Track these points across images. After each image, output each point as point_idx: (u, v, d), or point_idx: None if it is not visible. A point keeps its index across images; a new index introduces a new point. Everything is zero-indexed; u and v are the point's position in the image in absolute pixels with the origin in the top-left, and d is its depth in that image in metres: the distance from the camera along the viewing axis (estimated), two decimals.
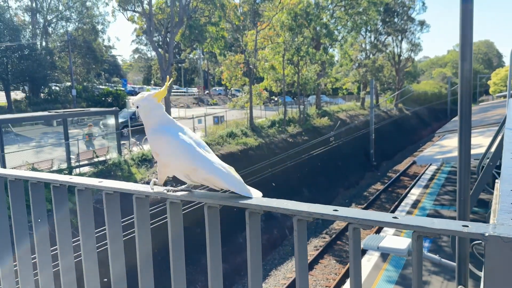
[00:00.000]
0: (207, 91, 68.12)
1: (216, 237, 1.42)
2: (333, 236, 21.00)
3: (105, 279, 1.63)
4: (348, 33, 38.46)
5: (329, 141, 30.90)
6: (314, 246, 20.45)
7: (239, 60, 29.69)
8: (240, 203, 1.32)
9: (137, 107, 1.57)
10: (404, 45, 62.12)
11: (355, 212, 1.19)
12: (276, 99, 47.41)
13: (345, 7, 36.41)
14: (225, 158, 22.64)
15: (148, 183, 1.66)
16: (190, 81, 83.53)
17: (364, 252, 18.25)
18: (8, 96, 38.81)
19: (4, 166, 14.38)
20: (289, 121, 32.12)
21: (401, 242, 6.06)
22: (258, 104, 33.38)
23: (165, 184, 1.57)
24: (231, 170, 1.49)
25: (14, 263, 1.89)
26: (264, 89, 34.91)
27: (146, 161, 19.53)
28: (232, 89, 59.44)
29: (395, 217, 1.16)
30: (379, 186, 30.42)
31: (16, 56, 38.46)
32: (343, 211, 1.21)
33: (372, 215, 1.17)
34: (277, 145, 27.73)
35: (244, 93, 32.80)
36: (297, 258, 1.28)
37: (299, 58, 31.16)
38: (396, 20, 50.03)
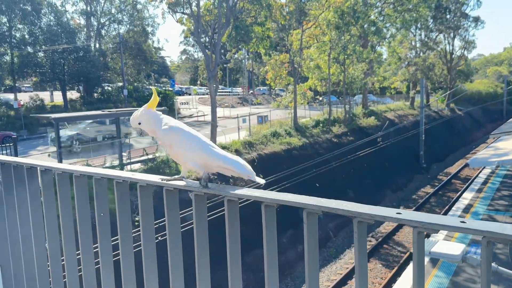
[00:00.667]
0: (251, 91, 68.58)
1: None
2: (379, 239, 20.47)
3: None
4: (397, 30, 37.34)
5: (375, 142, 30.16)
6: None
7: (284, 59, 29.64)
8: (298, 203, 1.31)
9: (139, 123, 1.66)
10: (457, 43, 59.51)
11: (420, 215, 1.15)
12: (320, 98, 46.87)
13: (394, 4, 35.37)
14: (268, 157, 22.70)
15: (197, 179, 1.68)
16: (234, 81, 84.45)
17: (411, 257, 17.62)
18: (64, 96, 40.98)
19: (60, 162, 15.17)
20: (334, 121, 31.66)
21: (455, 248, 5.80)
22: (302, 103, 33.18)
23: (210, 180, 1.63)
24: (238, 158, 1.66)
25: (78, 252, 1.99)
26: (308, 89, 34.64)
27: None
28: (276, 88, 59.47)
29: (463, 222, 1.10)
30: (428, 189, 29.32)
31: (72, 57, 40.53)
32: (407, 214, 1.17)
33: (439, 219, 1.12)
34: (321, 145, 27.42)
35: (289, 92, 32.70)
36: (357, 260, 1.25)
37: (346, 56, 30.63)
38: (448, 16, 47.95)
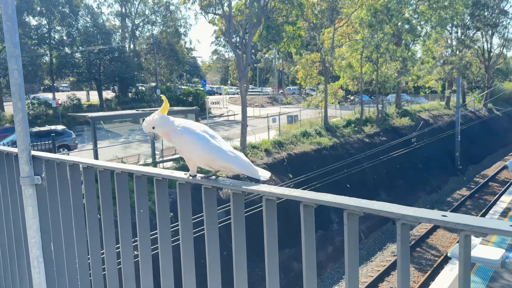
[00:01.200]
0: (281, 91, 68.42)
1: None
2: (412, 242, 20.00)
3: (202, 260, 1.73)
4: (432, 28, 36.33)
5: (409, 143, 29.46)
6: (391, 252, 19.64)
7: (314, 58, 29.41)
8: (339, 204, 1.29)
9: (153, 127, 1.77)
10: (495, 40, 57.45)
11: (467, 218, 1.11)
12: (352, 98, 46.23)
13: (429, 1, 34.43)
14: (298, 157, 22.60)
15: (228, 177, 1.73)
16: (264, 80, 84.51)
17: (446, 260, 17.14)
18: (100, 95, 42.22)
19: (97, 158, 15.63)
20: (366, 121, 31.16)
21: (493, 252, 5.58)
22: (333, 103, 32.80)
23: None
24: (240, 155, 1.74)
25: (117, 246, 2.05)
26: (339, 88, 34.24)
27: None
28: (306, 88, 59.08)
29: None
30: (464, 192, 28.41)
31: (107, 58, 41.69)
32: (453, 217, 1.13)
33: (487, 222, 1.08)
34: (353, 145, 27.04)
35: (319, 92, 32.40)
36: (400, 263, 1.22)
37: (379, 55, 30.08)
38: (486, 13, 46.23)
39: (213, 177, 1.71)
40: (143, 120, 1.99)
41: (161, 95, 1.91)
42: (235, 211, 1.59)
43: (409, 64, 34.42)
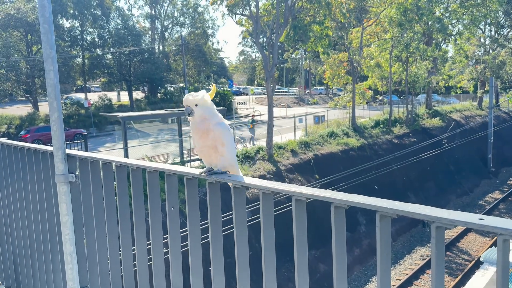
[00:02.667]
0: (308, 91, 68.02)
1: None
2: None
3: (228, 259, 1.74)
4: (464, 27, 35.31)
5: (439, 144, 28.72)
6: (420, 255, 19.21)
7: (342, 58, 29.09)
8: (371, 205, 1.27)
9: (196, 105, 1.82)
10: None
11: (506, 222, 1.06)
12: (380, 98, 45.46)
13: None
14: (324, 158, 22.41)
15: (255, 177, 1.73)
16: (291, 80, 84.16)
17: (477, 265, 16.61)
18: (130, 96, 43.10)
19: (127, 157, 15.97)
20: (395, 121, 30.59)
21: None
22: (361, 103, 32.34)
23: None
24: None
25: (148, 243, 2.09)
26: (368, 88, 33.73)
27: (249, 158, 20.18)
28: (333, 88, 58.42)
29: None
30: (497, 195, 27.46)
31: (137, 59, 42.52)
32: (491, 220, 1.09)
33: None
34: (381, 146, 26.60)
35: (347, 92, 32.01)
36: (434, 267, 1.18)
37: (408, 54, 29.46)
38: None
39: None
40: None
41: (212, 84, 2.01)
42: (264, 211, 1.59)
43: (440, 64, 33.55)
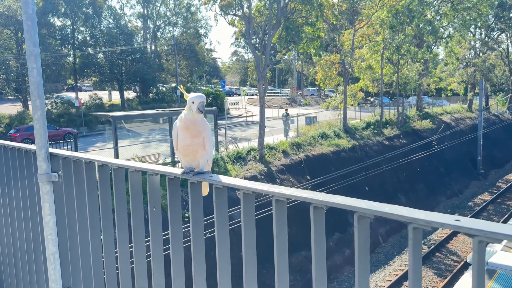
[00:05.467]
0: (300, 92, 68.21)
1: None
2: (432, 247, 19.63)
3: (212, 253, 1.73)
4: (455, 30, 35.62)
5: (430, 146, 28.93)
6: None
7: (334, 60, 29.18)
8: (349, 206, 1.26)
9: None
10: None
11: (482, 223, 1.06)
12: (371, 100, 45.71)
13: (452, 3, 33.75)
14: (316, 159, 22.46)
15: (246, 178, 1.72)
16: (283, 81, 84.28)
17: (466, 266, 16.75)
18: (121, 95, 42.84)
19: (117, 157, 15.86)
20: (386, 123, 30.76)
21: None
22: (352, 105, 32.46)
23: None
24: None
25: (130, 245, 2.06)
26: (359, 90, 33.86)
27: (240, 158, 20.16)
28: (325, 89, 58.60)
29: None
30: (486, 197, 27.73)
31: (129, 59, 42.28)
32: (467, 221, 1.08)
33: (503, 228, 1.03)
34: (372, 147, 26.72)
35: (338, 93, 32.12)
36: (411, 268, 1.18)
37: (399, 56, 29.65)
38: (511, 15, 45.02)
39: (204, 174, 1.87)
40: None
41: (180, 86, 2.16)
42: (245, 212, 1.58)
43: (431, 66, 33.79)
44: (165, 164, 17.40)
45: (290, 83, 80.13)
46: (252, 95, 64.14)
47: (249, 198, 1.61)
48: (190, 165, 1.90)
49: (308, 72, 61.16)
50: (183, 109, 1.96)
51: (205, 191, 1.91)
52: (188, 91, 44.04)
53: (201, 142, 1.90)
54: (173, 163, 18.05)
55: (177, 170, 1.85)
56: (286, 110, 28.53)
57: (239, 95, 60.08)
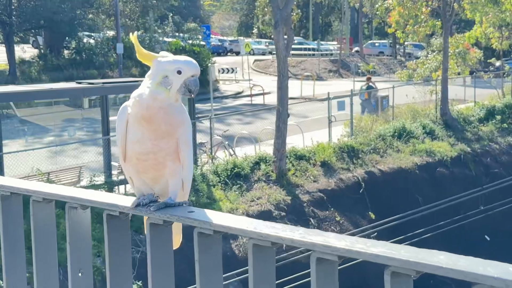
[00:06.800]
0: (356, 48, 68.32)
1: None
2: None
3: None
4: None
5: None
6: None
7: None
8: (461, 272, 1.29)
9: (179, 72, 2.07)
10: None
11: None
12: (497, 64, 45.63)
13: None
14: (387, 179, 22.49)
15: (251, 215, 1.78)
16: (324, 28, 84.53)
17: None
18: (11, 53, 43.02)
19: (1, 173, 15.97)
20: None
21: None
22: (459, 73, 32.48)
23: None
24: None
25: None
26: (473, 45, 33.86)
27: (240, 177, 20.22)
28: (406, 43, 58.55)
29: None
30: None
31: None
32: None
33: None
34: (498, 158, 26.76)
35: (432, 51, 32.12)
36: None
37: None
38: None
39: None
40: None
41: (133, 33, 2.34)
42: (256, 275, 1.60)
43: None
44: (93, 186, 17.51)
45: (336, 31, 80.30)
46: (263, 54, 64.17)
47: (265, 255, 1.66)
48: (150, 191, 1.95)
49: (373, 9, 61.10)
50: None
51: (177, 240, 1.93)
52: (142, 42, 44.30)
53: (173, 148, 1.95)
54: (109, 186, 18.14)
55: (125, 199, 1.87)
56: (369, 79, 30.02)
57: (238, 53, 60.20)
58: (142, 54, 2.03)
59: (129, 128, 1.95)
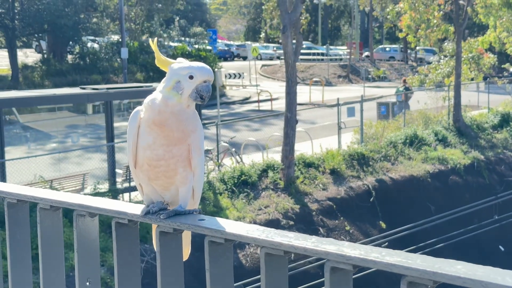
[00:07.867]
0: (366, 53, 68.31)
1: None
2: None
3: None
4: None
5: None
6: None
7: None
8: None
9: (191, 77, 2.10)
10: None
11: None
12: (511, 69, 45.61)
13: None
14: (398, 187, 22.47)
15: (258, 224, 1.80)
16: (334, 32, 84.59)
17: None
18: (13, 58, 43.14)
19: (4, 180, 16.00)
20: None
21: None
22: (472, 79, 32.42)
23: None
24: None
25: None
26: (486, 50, 33.80)
27: (247, 185, 20.22)
28: (418, 48, 58.57)
29: None
30: None
31: None
32: None
33: None
34: None
35: (444, 56, 32.09)
36: None
37: None
38: None
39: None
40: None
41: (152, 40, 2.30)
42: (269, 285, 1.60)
43: None
44: (97, 194, 17.54)
45: (345, 35, 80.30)
46: (270, 59, 64.22)
47: (278, 264, 1.67)
48: (160, 198, 1.96)
49: (383, 13, 61.12)
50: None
51: (186, 252, 1.94)
52: (143, 49, 44.28)
53: (184, 155, 1.97)
54: (114, 193, 18.16)
55: (134, 207, 1.90)
56: (405, 81, 30.81)
57: (245, 58, 60.23)
58: (160, 60, 2.05)
59: (140, 133, 1.96)
